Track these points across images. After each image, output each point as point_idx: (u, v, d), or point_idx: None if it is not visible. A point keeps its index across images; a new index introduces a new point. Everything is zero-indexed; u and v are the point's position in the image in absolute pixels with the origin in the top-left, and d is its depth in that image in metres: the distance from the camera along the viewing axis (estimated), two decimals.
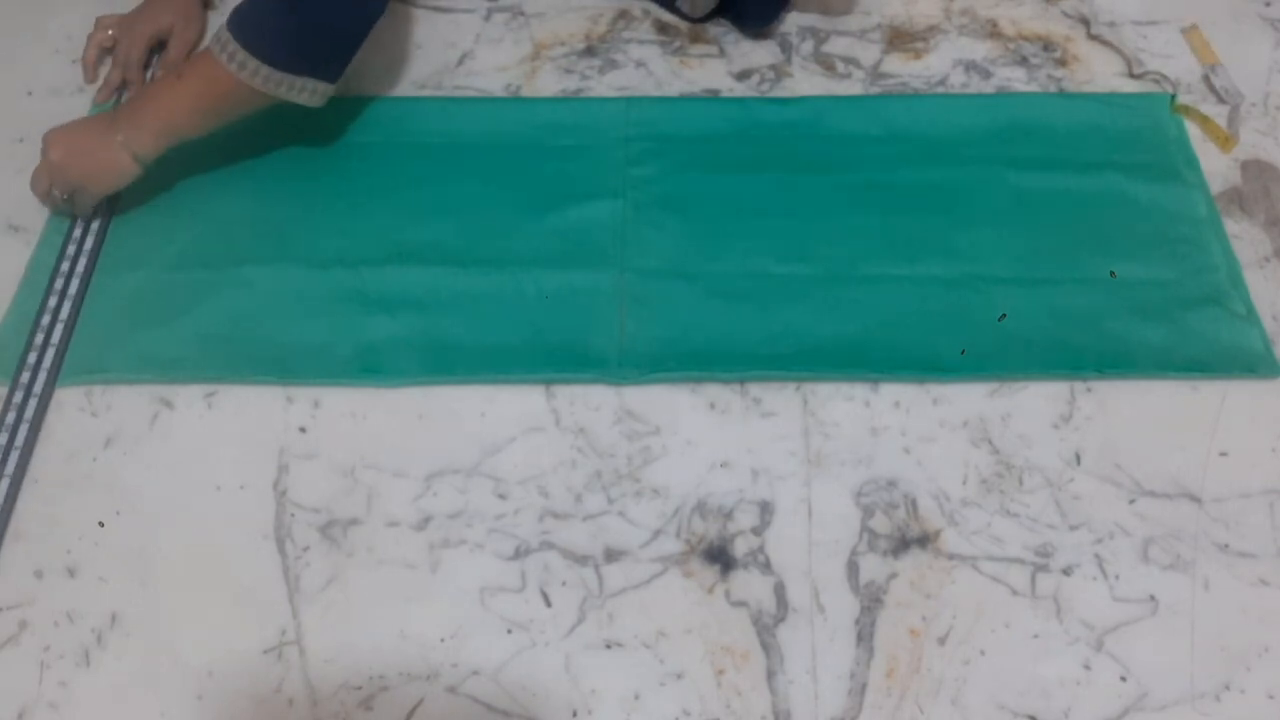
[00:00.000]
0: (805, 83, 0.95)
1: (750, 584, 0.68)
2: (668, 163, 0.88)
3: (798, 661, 0.65)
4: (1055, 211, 0.85)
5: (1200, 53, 0.96)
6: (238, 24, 0.76)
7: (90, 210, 0.84)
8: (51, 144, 0.80)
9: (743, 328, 0.79)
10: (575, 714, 0.64)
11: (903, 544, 0.70)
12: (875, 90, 0.94)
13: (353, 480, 0.73)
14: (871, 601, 0.67)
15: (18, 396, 0.76)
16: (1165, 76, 0.94)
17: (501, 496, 0.72)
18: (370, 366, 0.77)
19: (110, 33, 0.97)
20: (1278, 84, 0.94)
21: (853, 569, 0.69)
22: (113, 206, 0.86)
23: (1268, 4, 1.01)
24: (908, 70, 0.96)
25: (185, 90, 0.79)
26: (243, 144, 0.87)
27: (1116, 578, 0.68)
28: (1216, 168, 0.88)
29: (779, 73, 0.96)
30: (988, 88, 0.94)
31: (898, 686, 0.64)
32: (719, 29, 0.99)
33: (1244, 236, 0.84)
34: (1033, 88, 0.94)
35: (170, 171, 0.85)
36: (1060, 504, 0.71)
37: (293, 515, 0.71)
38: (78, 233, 0.84)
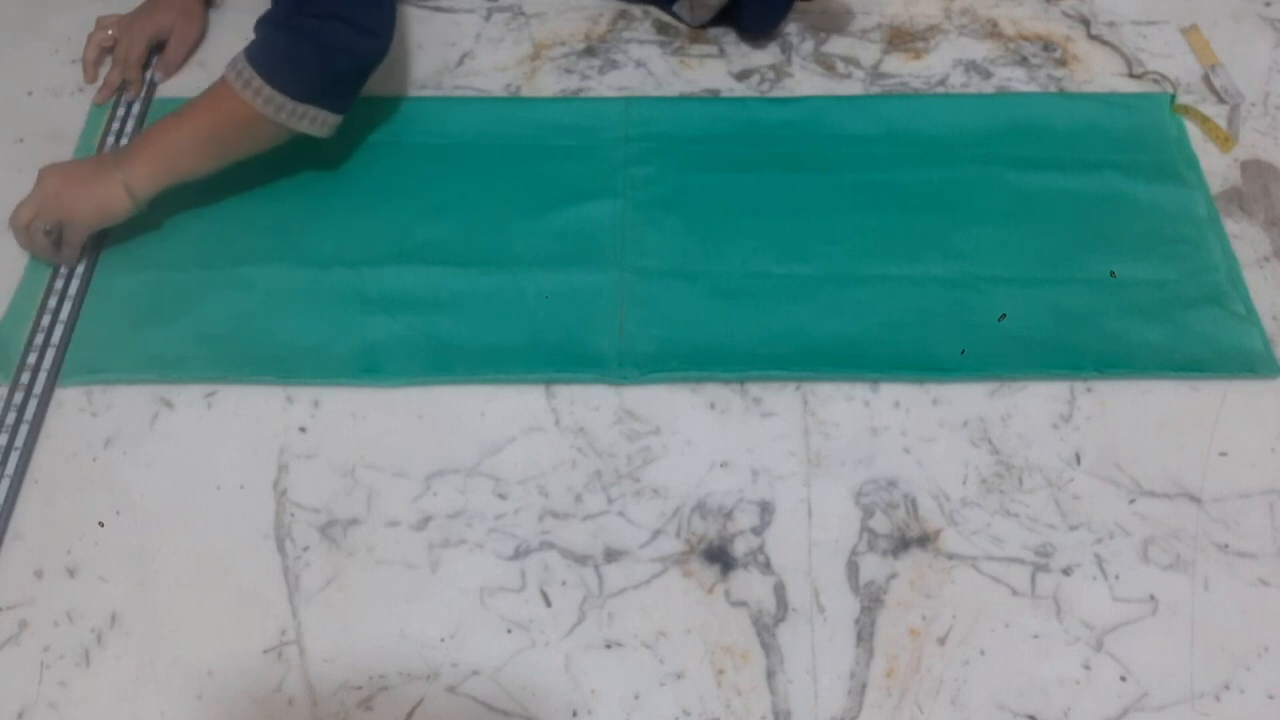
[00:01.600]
0: (805, 83, 0.95)
1: (750, 584, 0.68)
2: (668, 162, 0.88)
3: (798, 661, 0.65)
4: (1055, 211, 0.85)
5: (1200, 53, 0.96)
6: (256, 54, 0.77)
7: (75, 252, 0.81)
8: (48, 174, 0.80)
9: (743, 328, 0.79)
10: (575, 714, 0.64)
11: (903, 544, 0.70)
12: (875, 90, 0.94)
13: (353, 480, 0.73)
14: (871, 601, 0.67)
15: (18, 396, 0.76)
16: (1165, 76, 0.94)
17: (501, 496, 0.72)
18: (370, 366, 0.77)
19: (110, 32, 0.97)
20: (1278, 84, 0.94)
21: (853, 569, 0.69)
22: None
23: (1268, 4, 1.01)
24: (908, 70, 0.96)
25: (194, 122, 0.79)
26: None
27: (1116, 578, 0.68)
28: (1216, 168, 0.88)
29: (779, 73, 0.96)
30: (988, 88, 0.94)
31: (897, 686, 0.64)
32: (719, 29, 0.99)
33: (1244, 236, 0.84)
34: (1033, 88, 0.94)
35: None
36: (1060, 504, 0.71)
37: (293, 515, 0.71)
38: None
